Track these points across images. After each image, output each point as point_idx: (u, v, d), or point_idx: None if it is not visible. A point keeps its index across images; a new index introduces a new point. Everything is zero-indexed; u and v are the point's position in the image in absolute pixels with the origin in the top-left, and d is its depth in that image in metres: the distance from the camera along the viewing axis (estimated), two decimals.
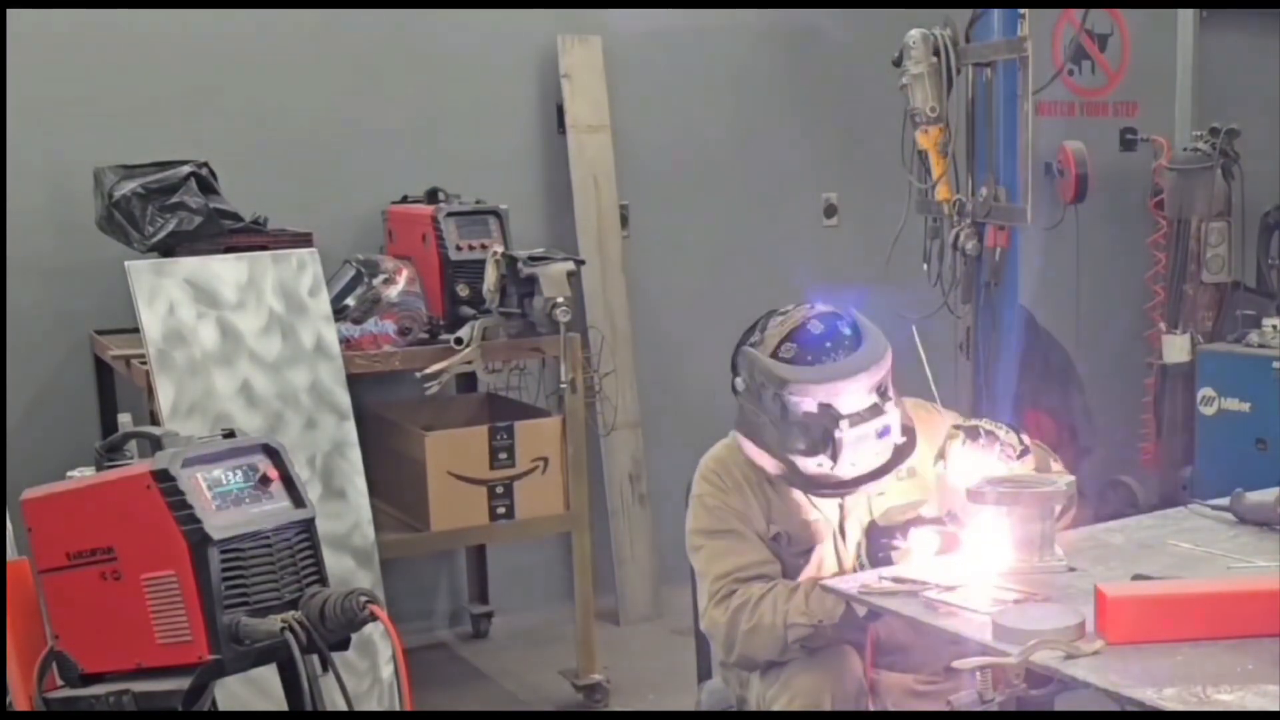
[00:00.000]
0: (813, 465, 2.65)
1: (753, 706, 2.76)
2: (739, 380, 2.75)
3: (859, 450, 2.62)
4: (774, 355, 2.66)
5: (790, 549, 2.76)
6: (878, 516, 2.71)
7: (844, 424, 2.60)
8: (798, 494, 2.76)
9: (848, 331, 2.67)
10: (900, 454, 2.71)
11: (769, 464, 2.72)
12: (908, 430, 2.73)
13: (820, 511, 2.77)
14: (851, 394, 2.60)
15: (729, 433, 2.84)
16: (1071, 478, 2.62)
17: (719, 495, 2.78)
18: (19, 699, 2.59)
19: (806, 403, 2.61)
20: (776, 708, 2.64)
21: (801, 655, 2.63)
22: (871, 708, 2.70)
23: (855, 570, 2.73)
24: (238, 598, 2.29)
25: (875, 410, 2.62)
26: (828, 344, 2.64)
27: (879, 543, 2.65)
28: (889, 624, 2.66)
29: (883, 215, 5.07)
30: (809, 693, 2.60)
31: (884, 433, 2.65)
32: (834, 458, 2.61)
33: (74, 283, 4.46)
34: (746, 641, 2.66)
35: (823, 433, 2.60)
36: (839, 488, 2.69)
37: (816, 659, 2.63)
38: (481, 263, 4.26)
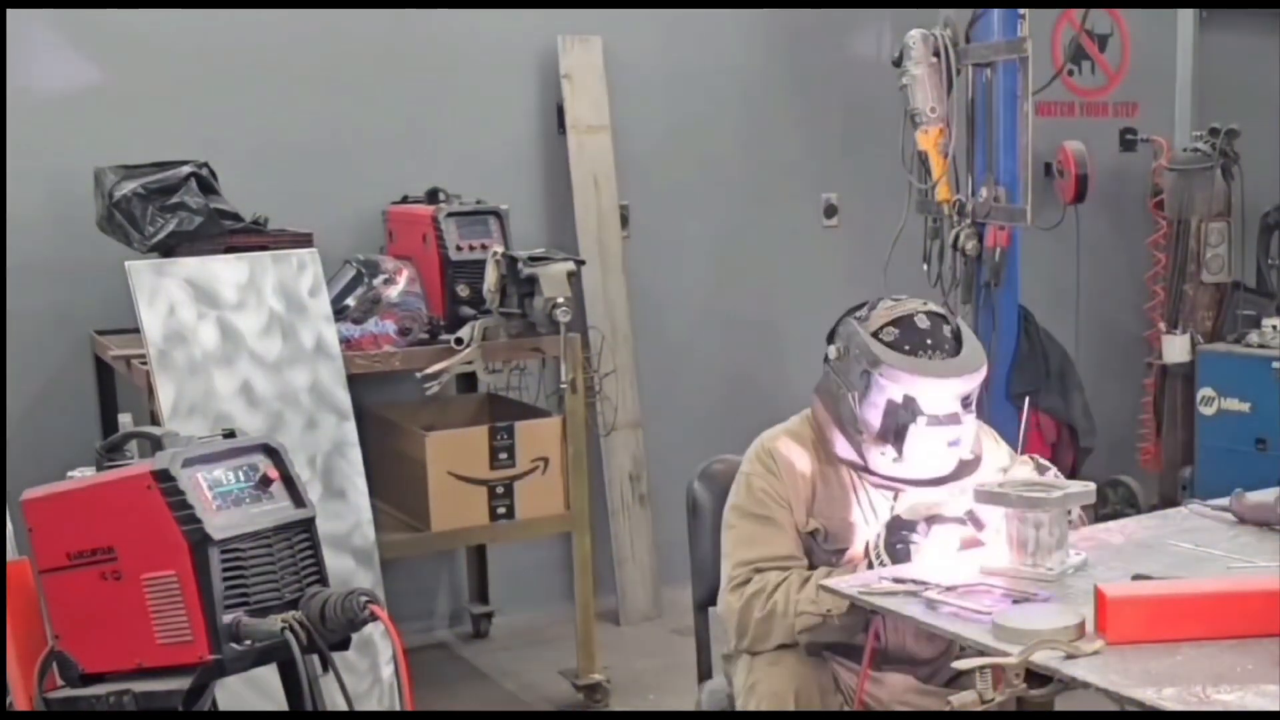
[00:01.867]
0: (877, 452, 2.68)
1: (736, 697, 2.77)
2: (833, 348, 2.77)
3: (926, 451, 2.65)
4: (875, 335, 2.68)
5: (825, 545, 2.77)
6: (901, 510, 2.71)
7: (921, 420, 2.62)
8: (846, 490, 2.78)
9: (950, 336, 2.70)
10: (964, 469, 2.72)
11: (836, 440, 2.75)
12: (976, 453, 2.76)
13: (864, 513, 2.78)
14: (937, 395, 2.63)
15: (791, 415, 2.88)
16: (1091, 485, 2.61)
17: (766, 478, 2.78)
18: (19, 699, 2.59)
19: (892, 389, 2.63)
20: (748, 703, 2.67)
21: (773, 653, 2.65)
22: (873, 707, 2.70)
23: (872, 562, 2.74)
24: (238, 598, 2.29)
25: (954, 419, 2.65)
26: (929, 340, 2.66)
27: (898, 534, 2.64)
28: (899, 630, 2.66)
29: (883, 215, 5.07)
30: (775, 693, 2.62)
31: (955, 443, 2.67)
32: (900, 450, 2.64)
33: (74, 283, 4.46)
34: (759, 628, 2.68)
35: (898, 424, 2.63)
36: (894, 482, 2.71)
37: (784, 658, 2.64)
38: (482, 263, 4.26)
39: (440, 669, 4.80)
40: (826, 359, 2.79)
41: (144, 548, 2.29)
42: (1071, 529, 2.66)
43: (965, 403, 2.66)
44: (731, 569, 2.75)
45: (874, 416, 2.65)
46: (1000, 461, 2.84)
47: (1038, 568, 2.52)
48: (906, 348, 2.65)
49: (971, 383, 2.65)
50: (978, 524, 2.62)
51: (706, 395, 5.47)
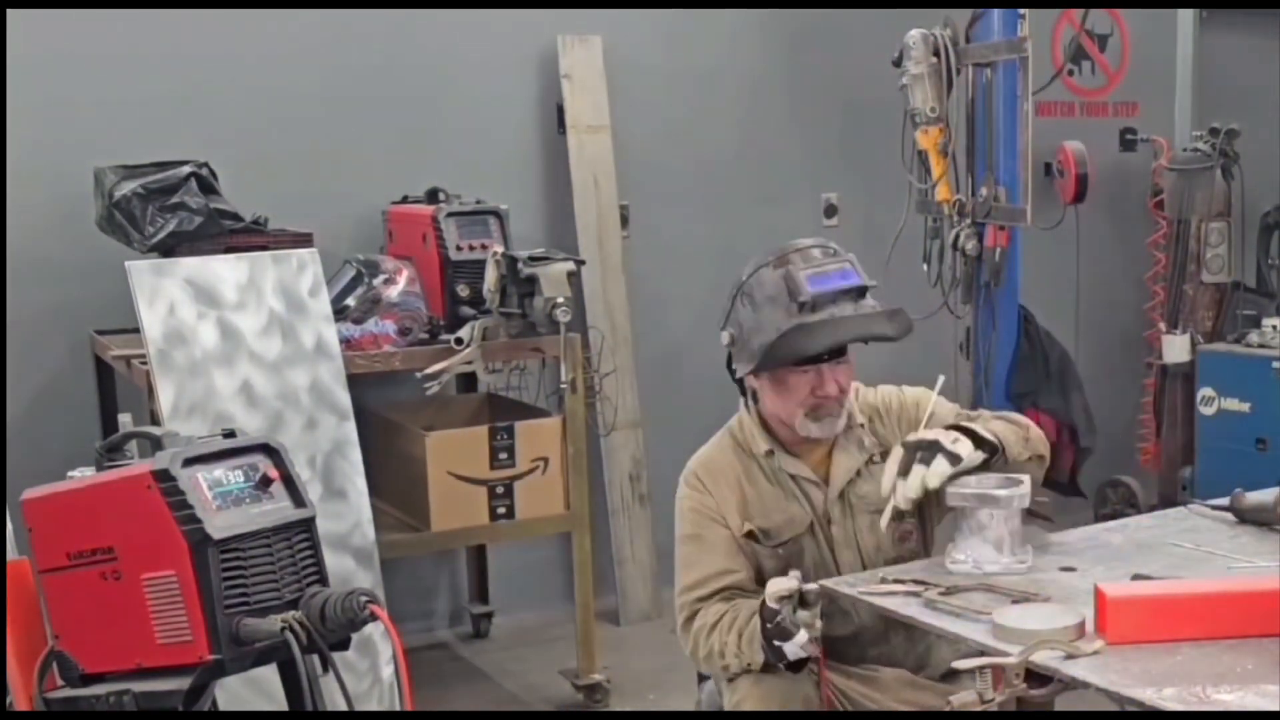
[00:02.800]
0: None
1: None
2: (725, 334, 2.82)
3: (826, 292, 2.66)
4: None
5: (767, 543, 2.77)
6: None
7: (803, 273, 2.67)
8: (776, 485, 2.79)
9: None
10: (886, 320, 2.72)
11: (755, 438, 2.79)
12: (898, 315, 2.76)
13: (801, 503, 2.78)
14: (811, 266, 2.70)
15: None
16: (1026, 484, 2.59)
17: (694, 497, 2.82)
18: (19, 699, 2.59)
19: (771, 290, 2.70)
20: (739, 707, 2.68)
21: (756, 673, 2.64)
22: (869, 706, 2.70)
23: (852, 557, 2.76)
24: (238, 598, 2.29)
25: (831, 254, 2.71)
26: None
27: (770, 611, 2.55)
28: (876, 619, 2.66)
29: (883, 215, 5.08)
30: (761, 701, 2.62)
31: (846, 274, 2.70)
32: (800, 307, 2.65)
33: (74, 283, 4.46)
34: (709, 665, 2.74)
35: (794, 284, 2.66)
36: (817, 353, 2.69)
37: (766, 677, 2.63)
38: (482, 263, 4.26)
39: (440, 669, 4.81)
40: (729, 334, 2.82)
41: (144, 548, 2.29)
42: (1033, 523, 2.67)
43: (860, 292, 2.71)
44: (678, 599, 2.82)
45: (769, 333, 2.66)
46: (912, 412, 2.84)
47: (982, 565, 2.53)
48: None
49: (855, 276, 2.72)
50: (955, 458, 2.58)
51: (706, 395, 5.41)
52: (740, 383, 2.88)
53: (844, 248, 2.82)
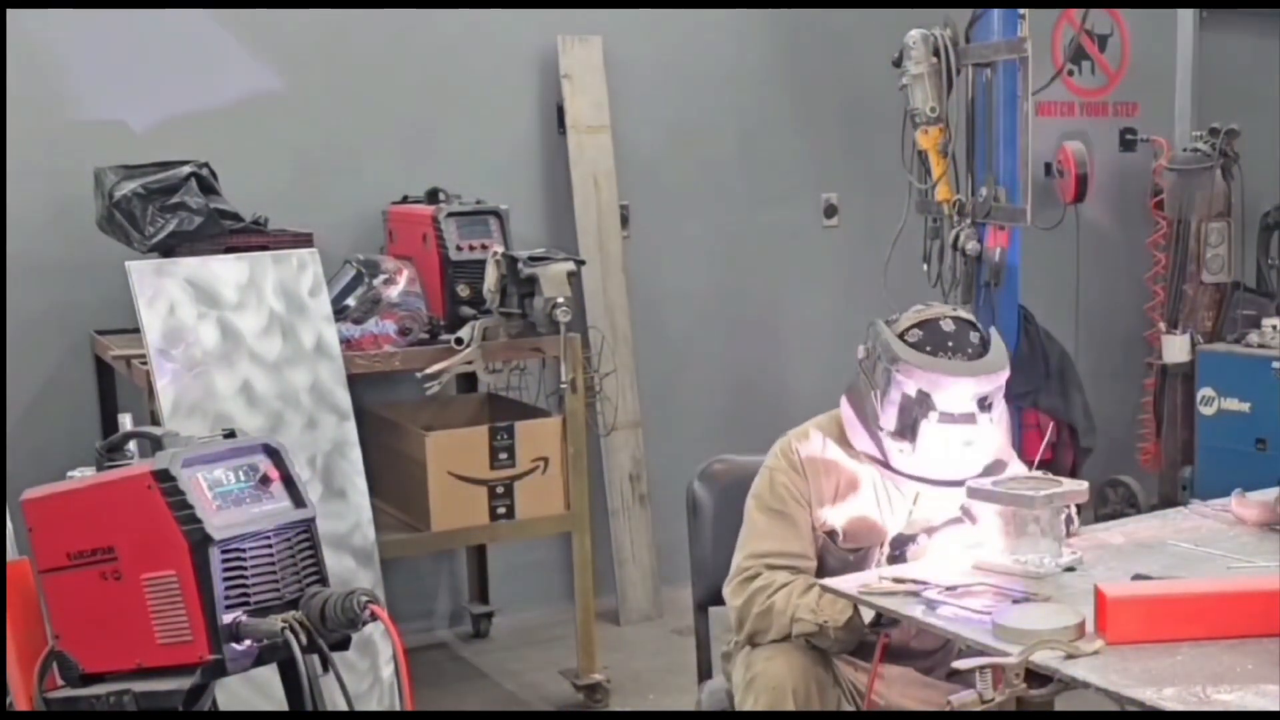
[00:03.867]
0: (896, 449, 2.71)
1: (735, 691, 2.78)
2: (862, 348, 2.81)
3: (940, 448, 2.66)
4: (900, 336, 2.72)
5: (842, 545, 2.79)
6: (902, 527, 2.76)
7: (933, 416, 2.65)
8: (869, 490, 2.81)
9: (977, 340, 2.73)
10: (988, 474, 2.72)
11: (858, 434, 2.79)
12: (1001, 462, 2.78)
13: (883, 515, 2.80)
14: (952, 392, 2.65)
15: (792, 414, 2.93)
16: (1084, 483, 2.61)
17: (789, 474, 2.82)
18: (20, 699, 2.59)
19: (908, 385, 2.66)
20: (746, 698, 2.68)
21: (771, 646, 2.67)
22: (876, 703, 2.70)
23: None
24: (238, 598, 2.29)
25: (969, 418, 2.66)
26: (950, 343, 2.70)
27: (898, 549, 2.67)
28: (904, 629, 2.67)
29: (883, 215, 5.07)
30: (774, 686, 2.63)
31: (970, 443, 2.68)
32: (914, 446, 2.66)
33: (74, 283, 4.46)
34: (756, 622, 2.72)
35: (913, 419, 2.66)
36: (913, 479, 2.73)
37: (782, 652, 2.65)
38: (482, 263, 4.26)
39: (440, 669, 4.81)
40: (859, 359, 2.84)
41: (144, 548, 2.29)
42: (1068, 535, 2.66)
43: (983, 404, 2.67)
44: (742, 560, 2.79)
45: (891, 412, 2.69)
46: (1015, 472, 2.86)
47: (1028, 566, 2.53)
48: (928, 348, 2.69)
49: (989, 384, 2.67)
50: (971, 518, 2.65)
51: (706, 395, 5.47)
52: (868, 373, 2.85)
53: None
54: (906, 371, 2.66)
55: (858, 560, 2.78)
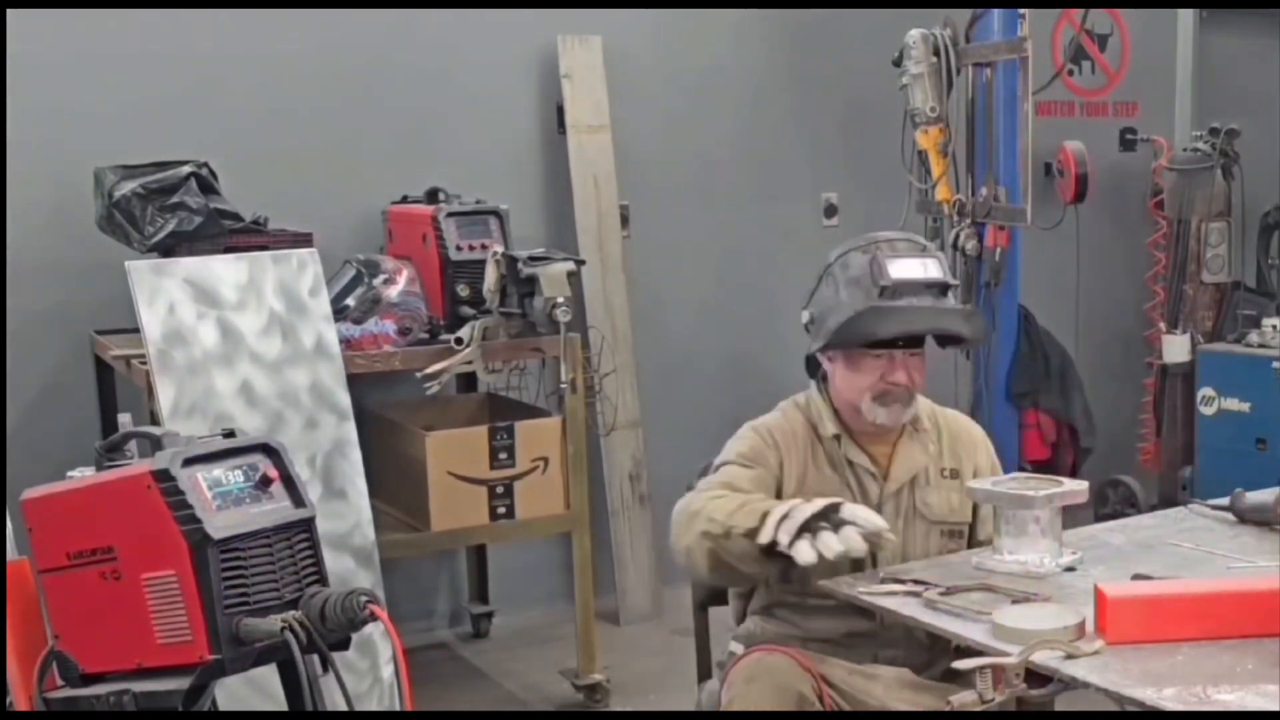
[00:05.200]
0: (862, 303, 2.71)
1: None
2: (805, 314, 2.84)
3: (909, 278, 2.70)
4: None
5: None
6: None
7: (888, 262, 2.70)
8: (836, 473, 2.80)
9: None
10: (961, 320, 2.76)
11: (823, 419, 2.81)
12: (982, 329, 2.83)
13: (855, 494, 2.78)
14: (904, 264, 2.72)
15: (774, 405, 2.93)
16: (1084, 484, 2.61)
17: (759, 444, 2.81)
18: (19, 699, 2.59)
19: (855, 270, 2.73)
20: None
21: (749, 668, 2.61)
22: (870, 705, 2.70)
23: (891, 560, 2.72)
24: (238, 598, 2.28)
25: (919, 249, 2.76)
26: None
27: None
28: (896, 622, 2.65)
29: (883, 215, 5.07)
30: (755, 701, 2.59)
31: (937, 288, 2.73)
32: (881, 291, 2.68)
33: (74, 283, 4.46)
34: (683, 521, 2.64)
35: (874, 285, 2.70)
36: (890, 340, 2.71)
37: (760, 675, 2.59)
38: (482, 263, 4.26)
39: (440, 669, 4.81)
40: (809, 314, 2.85)
41: (144, 547, 2.29)
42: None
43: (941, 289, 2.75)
44: (698, 483, 2.77)
45: (844, 311, 2.70)
46: (984, 447, 2.89)
47: (1028, 566, 2.53)
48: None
49: (937, 269, 2.75)
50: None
51: (706, 395, 5.46)
52: (812, 365, 2.89)
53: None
54: (845, 262, 2.76)
55: None
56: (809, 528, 2.38)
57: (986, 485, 2.63)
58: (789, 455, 2.81)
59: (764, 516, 2.44)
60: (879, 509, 2.74)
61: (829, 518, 2.40)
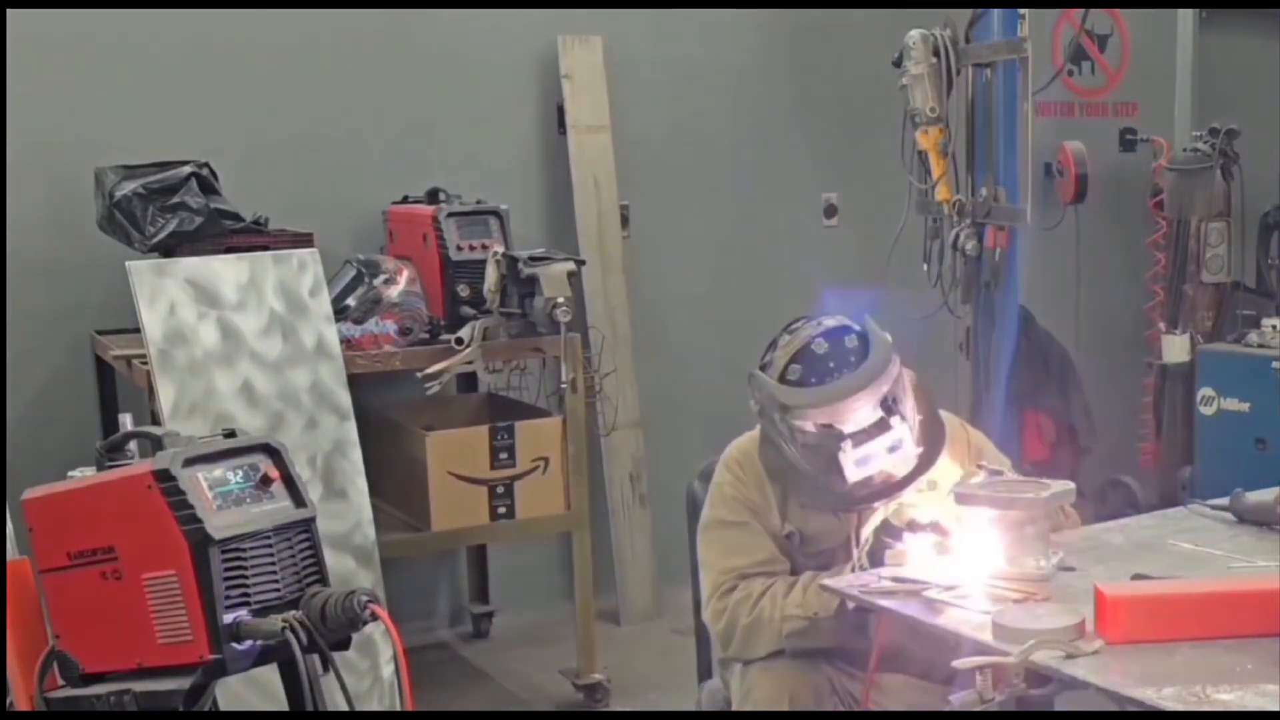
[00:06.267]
0: (824, 484, 2.63)
1: (733, 702, 2.77)
2: (752, 403, 2.73)
3: (869, 467, 2.59)
4: (781, 378, 2.63)
5: (803, 549, 2.75)
6: (890, 515, 2.69)
7: (847, 444, 2.55)
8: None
9: (854, 345, 2.62)
10: (920, 467, 2.65)
11: (801, 484, 2.72)
12: (933, 441, 2.68)
13: (839, 516, 2.76)
14: (853, 412, 2.56)
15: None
16: (1071, 484, 2.60)
17: (738, 486, 2.78)
18: (20, 699, 2.59)
19: (809, 425, 2.58)
20: (744, 705, 2.66)
21: (769, 658, 2.62)
22: (871, 706, 2.70)
23: (856, 569, 2.72)
24: (238, 597, 2.29)
25: (882, 426, 2.57)
26: (831, 364, 2.59)
27: (882, 540, 2.63)
28: (888, 628, 2.66)
29: (883, 215, 5.08)
30: (770, 700, 2.61)
31: (895, 447, 2.60)
32: (842, 476, 2.58)
33: (74, 283, 4.46)
34: (745, 636, 2.67)
35: (828, 454, 2.57)
36: (855, 503, 2.67)
37: (776, 665, 2.61)
38: (482, 263, 4.26)
39: (440, 669, 4.81)
40: (756, 414, 2.75)
41: (144, 547, 2.29)
42: (1063, 527, 2.66)
43: (887, 405, 2.58)
44: (716, 577, 2.73)
45: (807, 455, 2.61)
46: (969, 448, 2.82)
47: (1025, 567, 2.52)
48: (812, 380, 2.59)
49: (881, 387, 2.57)
50: (941, 531, 2.58)
51: (706, 395, 5.46)
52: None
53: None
54: (801, 415, 2.58)
55: (824, 560, 2.73)
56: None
57: (974, 489, 2.61)
58: (762, 486, 2.76)
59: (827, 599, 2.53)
60: (855, 532, 2.75)
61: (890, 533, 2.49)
